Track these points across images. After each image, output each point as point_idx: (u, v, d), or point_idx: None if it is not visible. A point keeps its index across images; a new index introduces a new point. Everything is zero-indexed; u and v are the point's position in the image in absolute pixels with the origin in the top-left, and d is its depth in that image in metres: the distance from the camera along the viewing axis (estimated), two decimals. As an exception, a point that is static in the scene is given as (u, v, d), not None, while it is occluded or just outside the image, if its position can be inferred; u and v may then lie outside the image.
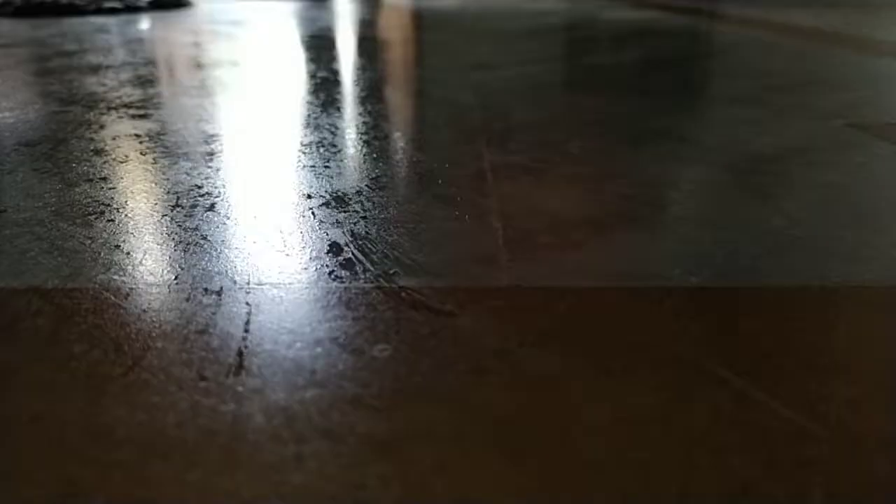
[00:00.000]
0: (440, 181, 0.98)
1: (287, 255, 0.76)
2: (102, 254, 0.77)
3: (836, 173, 0.99)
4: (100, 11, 3.80)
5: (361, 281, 0.69)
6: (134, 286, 0.69)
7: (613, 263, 0.73)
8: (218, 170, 1.04)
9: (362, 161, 1.08)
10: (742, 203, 0.89)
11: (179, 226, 0.84)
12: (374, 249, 0.76)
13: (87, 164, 1.07)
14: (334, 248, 0.77)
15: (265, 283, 0.69)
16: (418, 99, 1.54)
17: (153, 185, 0.99)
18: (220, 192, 0.95)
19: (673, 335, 0.59)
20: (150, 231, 0.83)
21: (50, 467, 0.45)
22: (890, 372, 0.54)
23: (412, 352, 0.57)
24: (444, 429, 0.48)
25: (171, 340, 0.60)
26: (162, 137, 1.23)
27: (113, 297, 0.67)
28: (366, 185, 0.97)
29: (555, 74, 1.78)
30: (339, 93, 1.60)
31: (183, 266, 0.74)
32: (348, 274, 0.71)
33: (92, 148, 1.16)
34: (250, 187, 0.97)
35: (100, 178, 1.01)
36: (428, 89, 1.62)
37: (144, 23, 3.20)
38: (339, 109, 1.43)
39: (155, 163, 1.08)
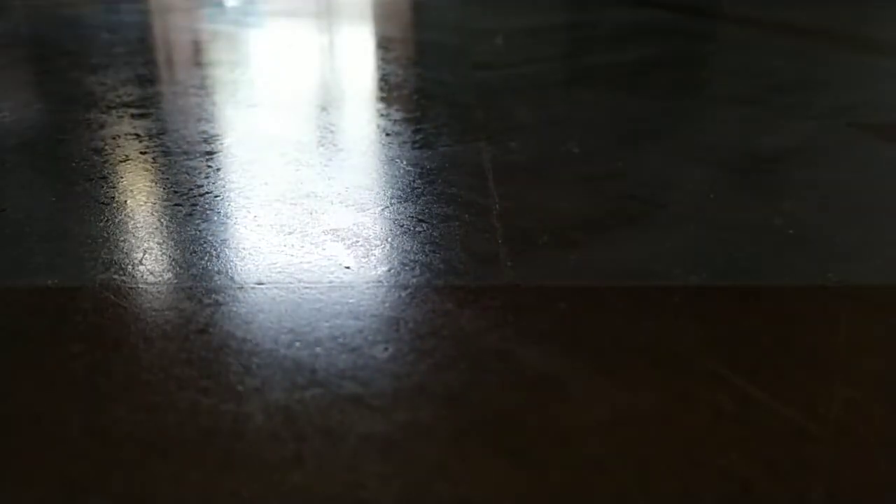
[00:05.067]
0: (440, 179, 0.98)
1: (289, 255, 0.76)
2: (102, 253, 0.77)
3: (836, 173, 0.99)
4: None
5: (360, 280, 0.69)
6: (134, 286, 0.69)
7: (613, 263, 0.73)
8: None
9: (361, 159, 1.08)
10: (742, 203, 0.89)
11: (179, 225, 0.84)
12: (373, 254, 0.76)
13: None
14: (338, 260, 0.77)
15: (265, 283, 0.69)
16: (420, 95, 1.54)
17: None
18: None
19: (673, 335, 0.59)
20: (150, 230, 0.83)
21: (50, 467, 0.45)
22: (890, 372, 0.54)
23: (412, 352, 0.57)
24: (444, 429, 0.48)
25: (171, 340, 0.60)
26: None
27: (113, 297, 0.67)
28: (362, 184, 0.97)
29: (556, 73, 1.78)
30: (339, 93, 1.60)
31: (183, 265, 0.74)
32: (351, 271, 0.71)
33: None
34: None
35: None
36: (429, 87, 1.62)
37: None
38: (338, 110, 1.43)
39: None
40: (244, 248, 0.78)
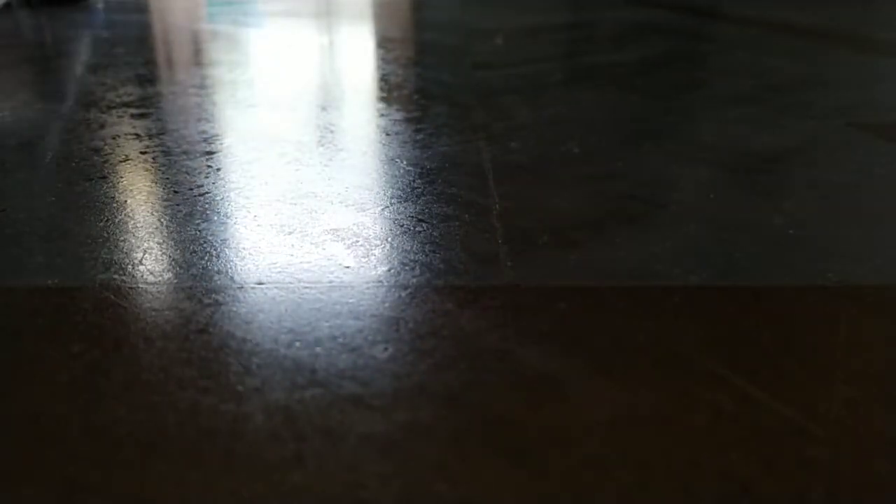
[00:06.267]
0: (440, 179, 0.98)
1: (289, 255, 0.76)
2: (102, 253, 0.77)
3: (836, 173, 0.99)
4: None
5: (360, 280, 0.69)
6: (134, 286, 0.69)
7: (613, 263, 0.73)
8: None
9: (363, 161, 1.08)
10: (742, 202, 0.89)
11: (179, 224, 0.84)
12: (372, 252, 0.76)
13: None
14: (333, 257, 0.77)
15: (265, 283, 0.69)
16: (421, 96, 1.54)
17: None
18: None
19: (673, 335, 0.59)
20: (150, 230, 0.83)
21: (50, 467, 0.45)
22: (890, 372, 0.54)
23: (412, 352, 0.57)
24: (444, 429, 0.48)
25: (170, 340, 0.60)
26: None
27: (113, 297, 0.67)
28: (361, 185, 0.97)
29: (556, 73, 1.78)
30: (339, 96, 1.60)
31: (183, 265, 0.74)
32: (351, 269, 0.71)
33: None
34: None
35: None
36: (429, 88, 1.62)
37: None
38: (338, 110, 1.43)
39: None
40: (244, 248, 0.78)
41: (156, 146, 1.18)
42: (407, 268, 0.72)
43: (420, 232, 0.81)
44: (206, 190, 0.96)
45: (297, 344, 0.59)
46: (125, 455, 0.46)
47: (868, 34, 2.34)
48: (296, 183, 0.98)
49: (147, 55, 2.21)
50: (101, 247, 0.79)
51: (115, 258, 0.76)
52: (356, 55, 2.17)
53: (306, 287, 0.68)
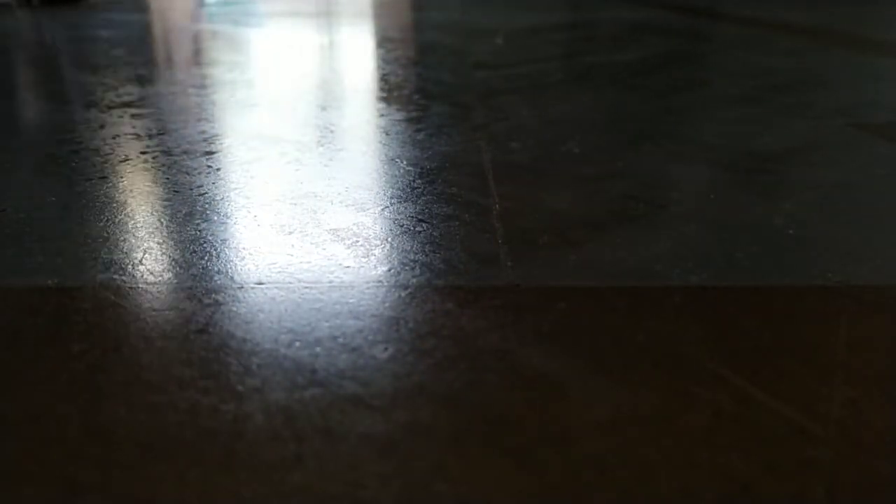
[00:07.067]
0: (440, 179, 0.98)
1: (289, 255, 0.76)
2: (102, 253, 0.77)
3: (836, 173, 0.99)
4: None
5: (360, 280, 0.69)
6: (134, 286, 0.69)
7: (613, 263, 0.73)
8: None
9: (364, 162, 1.08)
10: (742, 203, 0.89)
11: (179, 225, 0.84)
12: (372, 247, 0.76)
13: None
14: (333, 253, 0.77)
15: (265, 283, 0.69)
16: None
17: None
18: (220, 192, 0.95)
19: (673, 335, 0.59)
20: (150, 230, 0.83)
21: (50, 467, 0.45)
22: (890, 372, 0.54)
23: (412, 352, 0.57)
24: (444, 429, 0.48)
25: (170, 339, 0.60)
26: (162, 137, 1.23)
27: (113, 297, 0.67)
28: (362, 185, 0.97)
29: (556, 73, 1.78)
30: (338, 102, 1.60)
31: (183, 265, 0.74)
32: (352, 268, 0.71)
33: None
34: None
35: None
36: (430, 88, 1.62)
37: None
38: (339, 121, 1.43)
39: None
40: (244, 248, 0.78)
41: (156, 146, 1.18)
42: (407, 268, 0.72)
43: (420, 232, 0.81)
44: (206, 190, 0.96)
45: (297, 344, 0.59)
46: (125, 455, 0.46)
47: (868, 34, 2.34)
48: (296, 183, 0.98)
49: (147, 55, 2.21)
50: (101, 247, 0.79)
51: (115, 258, 0.76)
52: (356, 55, 2.17)
53: (306, 287, 0.68)
